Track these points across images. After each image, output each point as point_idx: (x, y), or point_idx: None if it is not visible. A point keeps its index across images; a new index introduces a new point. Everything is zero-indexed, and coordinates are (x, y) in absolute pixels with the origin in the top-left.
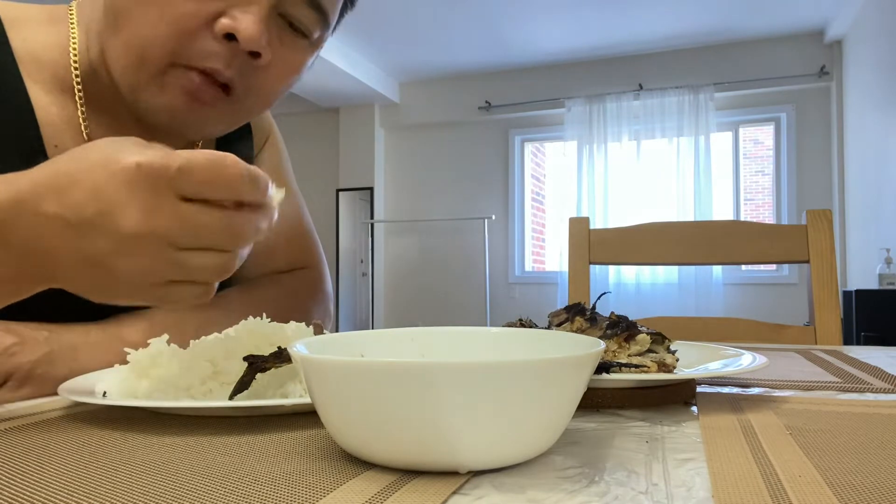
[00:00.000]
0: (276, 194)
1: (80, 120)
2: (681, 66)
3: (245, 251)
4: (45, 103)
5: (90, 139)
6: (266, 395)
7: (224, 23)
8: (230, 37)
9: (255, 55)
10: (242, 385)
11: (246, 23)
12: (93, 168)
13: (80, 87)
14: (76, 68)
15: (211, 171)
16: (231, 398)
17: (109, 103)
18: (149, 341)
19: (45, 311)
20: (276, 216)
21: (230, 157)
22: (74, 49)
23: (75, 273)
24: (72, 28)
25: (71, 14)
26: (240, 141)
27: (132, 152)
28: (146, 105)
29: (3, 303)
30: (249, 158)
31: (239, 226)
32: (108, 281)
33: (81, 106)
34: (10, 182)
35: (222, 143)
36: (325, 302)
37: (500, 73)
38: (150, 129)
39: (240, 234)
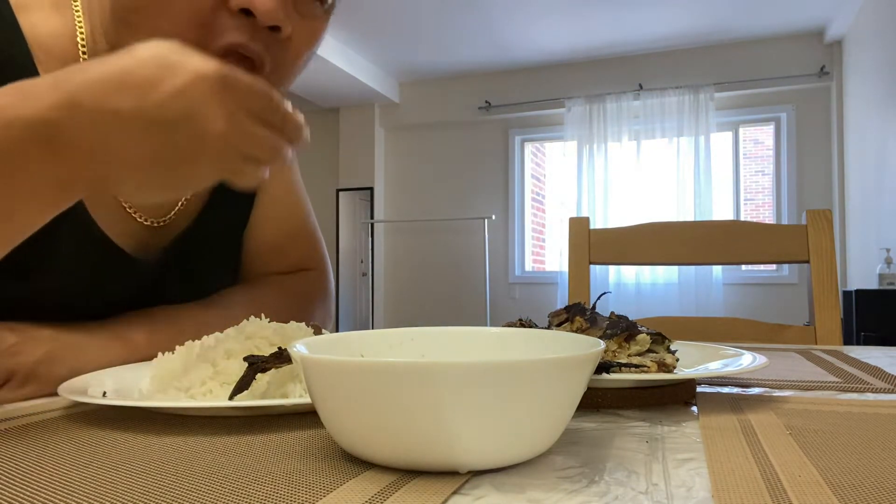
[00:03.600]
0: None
1: None
2: (681, 66)
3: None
4: None
5: None
6: (266, 395)
7: None
8: (247, 12)
9: (275, 29)
10: (242, 385)
11: None
12: (173, 71)
13: None
14: (85, 58)
15: (266, 97)
16: (231, 398)
17: None
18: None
19: (50, 312)
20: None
21: (275, 91)
22: (83, 39)
23: (137, 172)
24: (77, 16)
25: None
26: None
27: (206, 61)
28: None
29: (45, 216)
30: None
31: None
32: (172, 178)
33: None
34: (55, 85)
35: None
36: (327, 303)
37: (500, 73)
38: None
39: (277, 150)
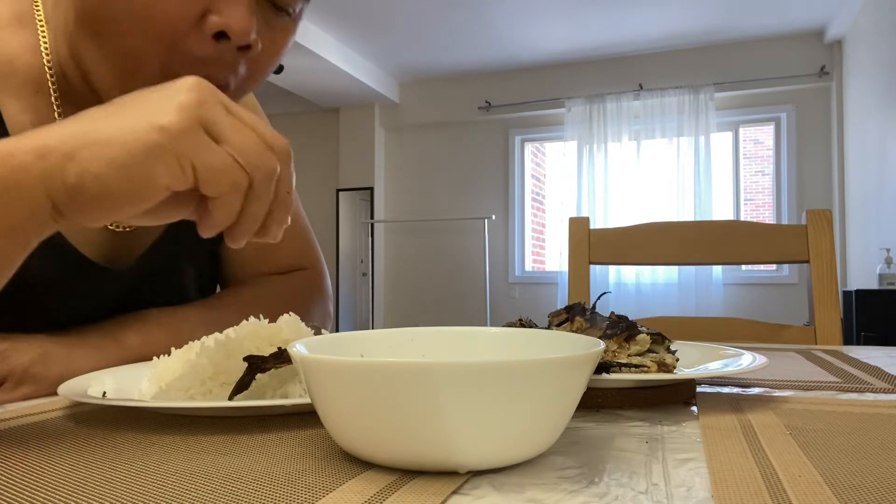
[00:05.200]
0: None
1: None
2: (681, 66)
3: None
4: (17, 111)
5: None
6: (266, 395)
7: (214, 21)
8: (220, 34)
9: (245, 48)
10: (242, 385)
11: (236, 18)
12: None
13: (55, 86)
14: (49, 68)
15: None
16: (231, 398)
17: (82, 104)
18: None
19: (45, 321)
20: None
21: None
22: (46, 50)
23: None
24: (41, 28)
25: (37, 10)
26: None
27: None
28: None
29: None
30: None
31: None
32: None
33: (58, 107)
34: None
35: None
36: (324, 303)
37: (500, 73)
38: None
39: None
